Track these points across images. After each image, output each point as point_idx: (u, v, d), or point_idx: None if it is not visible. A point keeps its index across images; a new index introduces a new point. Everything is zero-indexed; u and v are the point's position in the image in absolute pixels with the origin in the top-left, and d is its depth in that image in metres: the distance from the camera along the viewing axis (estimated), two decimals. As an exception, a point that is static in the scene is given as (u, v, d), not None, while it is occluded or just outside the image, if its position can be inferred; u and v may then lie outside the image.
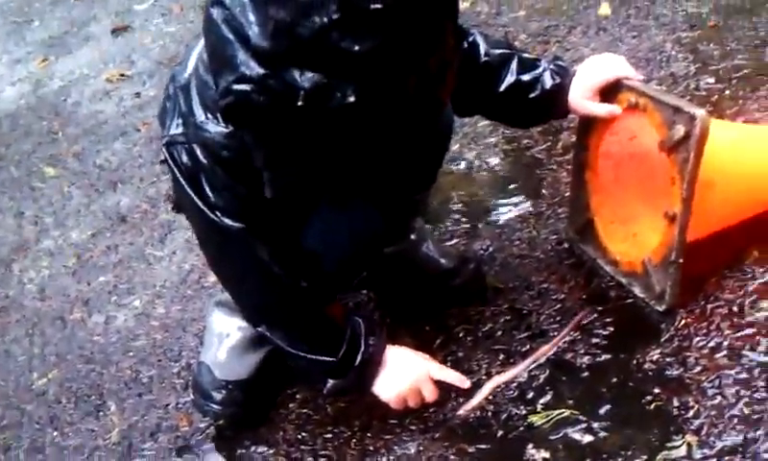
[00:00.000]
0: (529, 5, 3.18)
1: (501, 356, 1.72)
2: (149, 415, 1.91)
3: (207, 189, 1.43)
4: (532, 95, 1.67)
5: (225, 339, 1.78)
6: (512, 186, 2.21)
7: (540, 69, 1.68)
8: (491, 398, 1.63)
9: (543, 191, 2.14)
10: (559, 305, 1.79)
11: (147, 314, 2.24)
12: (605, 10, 2.95)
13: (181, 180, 1.46)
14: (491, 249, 2.01)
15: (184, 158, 1.44)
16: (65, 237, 2.74)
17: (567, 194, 1.98)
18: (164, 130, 1.49)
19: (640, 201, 1.79)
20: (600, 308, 1.74)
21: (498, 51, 1.68)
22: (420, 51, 1.20)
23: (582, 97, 1.69)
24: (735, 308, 1.62)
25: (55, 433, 1.99)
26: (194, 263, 2.36)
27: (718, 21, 2.58)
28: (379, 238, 1.66)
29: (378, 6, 1.10)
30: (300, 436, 1.72)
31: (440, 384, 1.61)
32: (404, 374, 1.59)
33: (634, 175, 1.79)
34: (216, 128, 1.38)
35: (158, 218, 2.64)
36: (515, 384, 1.65)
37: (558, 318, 1.76)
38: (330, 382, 1.60)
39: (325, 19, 1.09)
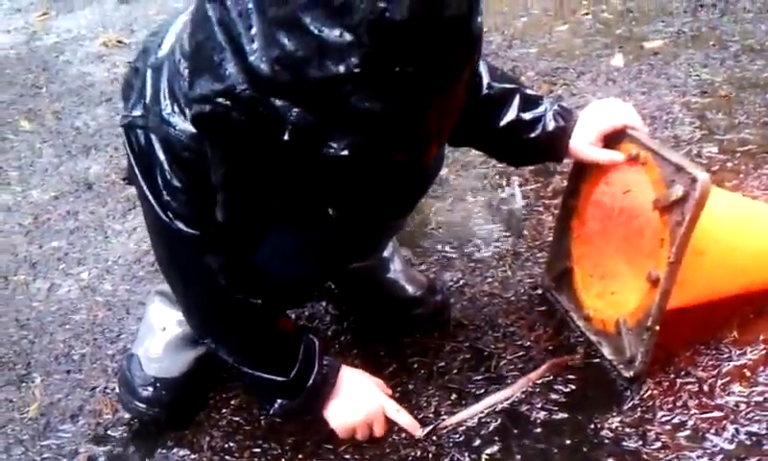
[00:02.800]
0: (542, 44, 3.13)
1: (453, 396, 1.61)
2: (73, 395, 1.78)
3: (161, 186, 1.30)
4: (532, 135, 1.58)
5: (161, 333, 1.66)
6: (494, 222, 2.12)
7: (543, 108, 1.59)
8: (434, 438, 1.52)
9: (525, 232, 2.06)
10: (522, 352, 1.69)
11: (93, 288, 2.12)
12: (618, 61, 2.90)
13: (136, 168, 1.34)
14: (461, 281, 1.91)
15: (141, 146, 1.31)
16: (26, 195, 2.62)
17: (550, 239, 1.89)
18: (126, 108, 1.36)
19: (624, 258, 1.71)
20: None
21: (501, 85, 1.57)
22: (432, 117, 1.07)
23: (585, 142, 1.60)
24: (706, 388, 1.52)
25: (-32, 396, 1.85)
26: (152, 244, 2.24)
27: (730, 92, 2.54)
28: (334, 261, 1.56)
29: (403, 69, 0.97)
30: (227, 445, 1.60)
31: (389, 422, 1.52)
32: (359, 404, 1.50)
33: (622, 230, 1.72)
34: (183, 124, 1.24)
35: (125, 191, 2.52)
36: (462, 428, 1.54)
37: (520, 365, 1.66)
38: (278, 403, 1.50)
39: (342, 69, 0.95)
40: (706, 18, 3.08)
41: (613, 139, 1.61)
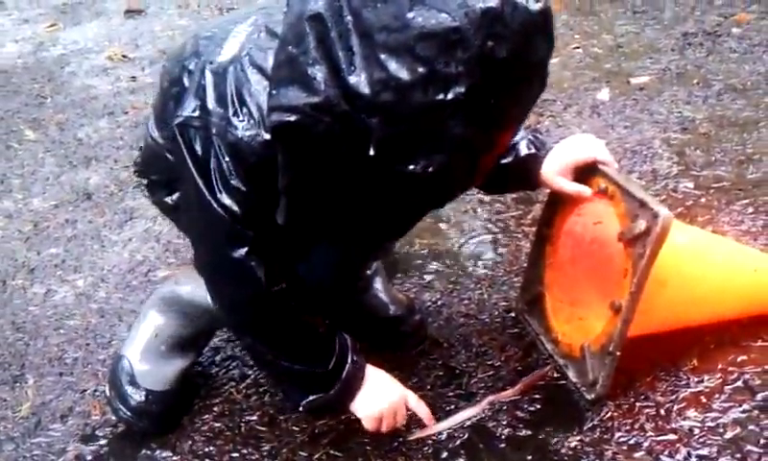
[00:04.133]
0: (532, 75, 3.20)
1: (424, 411, 1.68)
2: (64, 396, 1.87)
3: (221, 186, 1.33)
4: (504, 161, 1.66)
5: (153, 339, 1.72)
6: (473, 246, 2.21)
7: (518, 137, 1.67)
8: (403, 450, 1.60)
9: (503, 257, 2.14)
10: (492, 372, 1.77)
11: (87, 295, 2.21)
12: (604, 95, 3.00)
13: (192, 167, 1.35)
14: (439, 302, 2.00)
15: (197, 145, 1.34)
16: (27, 202, 2.71)
17: (525, 265, 1.97)
18: (178, 107, 1.38)
19: (592, 286, 1.78)
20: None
21: None
22: (501, 141, 1.18)
23: (555, 172, 1.68)
24: (663, 412, 1.60)
25: (-36, 395, 1.93)
26: (146, 255, 2.33)
27: (709, 130, 2.63)
28: (354, 274, 1.64)
29: (497, 100, 1.07)
30: (207, 449, 1.68)
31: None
32: (384, 394, 1.56)
33: (591, 259, 1.79)
34: (251, 131, 1.28)
35: (123, 203, 2.61)
36: (431, 441, 1.62)
37: (489, 384, 1.74)
38: (310, 397, 1.54)
39: (449, 96, 1.03)
40: (692, 57, 3.18)
41: (585, 173, 1.69)
